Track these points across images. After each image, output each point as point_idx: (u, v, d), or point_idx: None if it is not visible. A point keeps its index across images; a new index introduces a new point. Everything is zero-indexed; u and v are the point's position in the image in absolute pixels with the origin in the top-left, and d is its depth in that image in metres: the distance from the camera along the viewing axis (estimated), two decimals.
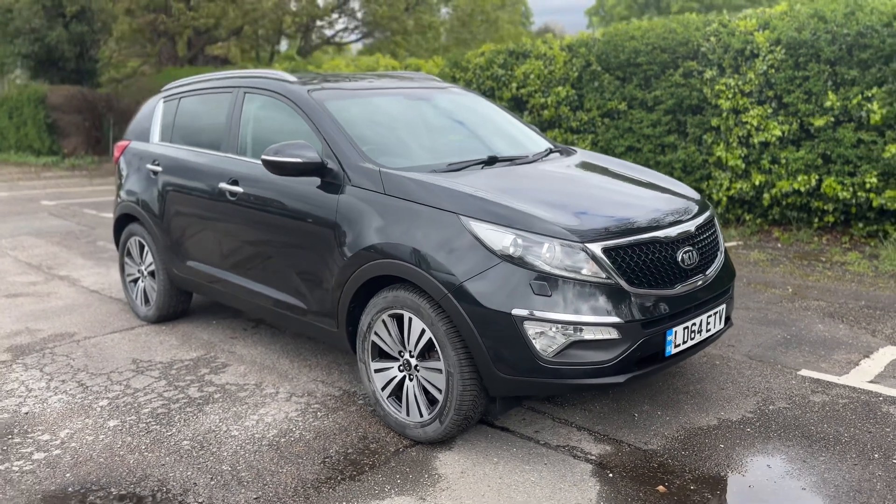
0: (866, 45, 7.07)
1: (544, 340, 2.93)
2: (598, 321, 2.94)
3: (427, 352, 3.26)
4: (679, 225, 3.34)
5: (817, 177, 7.57)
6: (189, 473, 3.14)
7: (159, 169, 4.84)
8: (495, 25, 23.05)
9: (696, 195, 3.83)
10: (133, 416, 3.70)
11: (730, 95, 8.02)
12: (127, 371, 4.31)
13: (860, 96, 7.15)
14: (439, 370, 3.17)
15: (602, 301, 2.97)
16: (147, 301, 5.18)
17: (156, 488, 3.03)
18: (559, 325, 2.92)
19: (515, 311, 2.93)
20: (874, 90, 7.06)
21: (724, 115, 8.11)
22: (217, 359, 4.48)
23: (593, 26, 49.23)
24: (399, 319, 3.33)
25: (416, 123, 4.21)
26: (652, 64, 8.62)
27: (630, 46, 8.79)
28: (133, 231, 5.15)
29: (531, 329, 2.93)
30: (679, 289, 3.21)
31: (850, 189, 7.34)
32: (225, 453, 3.31)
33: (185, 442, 3.42)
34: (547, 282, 2.95)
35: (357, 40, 21.70)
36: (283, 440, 3.42)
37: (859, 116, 7.23)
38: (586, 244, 3.00)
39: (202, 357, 4.51)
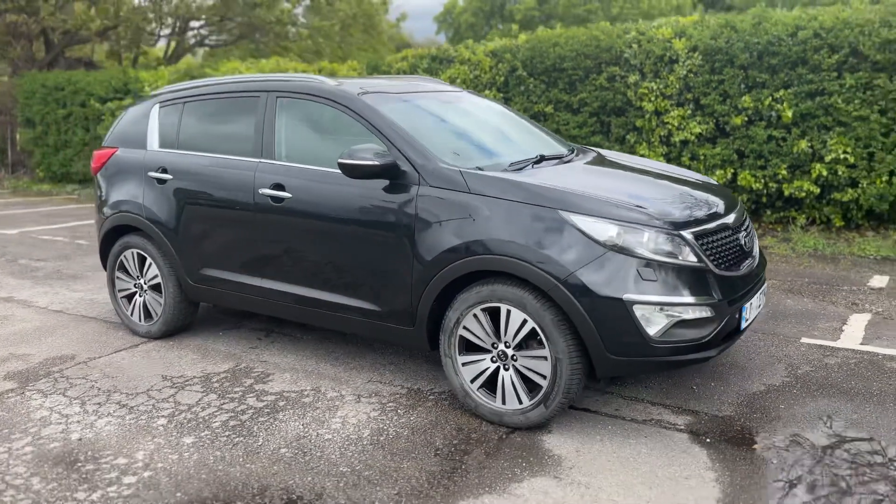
0: (775, 52, 7.94)
1: (652, 322, 3.20)
2: (697, 302, 3.25)
3: (525, 341, 3.42)
4: (733, 212, 3.73)
5: (733, 170, 8.40)
6: (309, 479, 3.12)
7: (169, 177, 4.64)
8: (377, 30, 23.16)
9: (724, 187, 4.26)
10: (206, 431, 3.58)
11: (652, 98, 8.69)
12: (164, 388, 4.12)
13: (770, 98, 8.02)
14: (543, 357, 3.34)
15: (698, 283, 3.28)
16: (148, 316, 4.93)
17: (286, 497, 2.99)
18: (665, 307, 3.20)
19: (626, 297, 3.17)
20: (782, 92, 7.95)
21: (647, 116, 8.79)
22: (253, 369, 4.38)
23: (443, 32, 50.45)
24: (493, 312, 3.47)
25: (456, 124, 4.34)
26: (577, 69, 9.15)
27: (555, 52, 9.28)
28: (130, 243, 4.88)
29: (640, 312, 3.18)
30: (744, 269, 3.59)
31: (763, 181, 8.22)
32: (333, 456, 3.31)
33: (283, 450, 3.38)
34: (651, 268, 3.22)
35: (233, 42, 20.97)
36: (382, 438, 3.46)
37: (770, 116, 8.10)
38: (680, 231, 3.30)
39: (236, 368, 4.39)
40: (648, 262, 3.22)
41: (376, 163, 3.64)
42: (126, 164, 4.93)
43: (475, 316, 3.51)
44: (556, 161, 4.14)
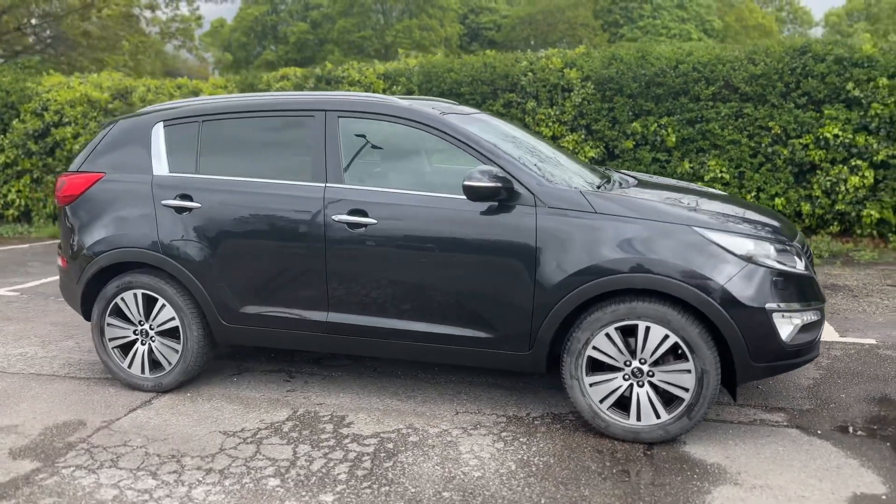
0: (660, 83, 8.81)
1: (786, 328, 3.46)
2: (812, 307, 3.58)
3: (661, 357, 3.52)
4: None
5: None
6: None
7: (195, 205, 4.07)
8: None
9: None
10: (340, 486, 3.22)
11: (549, 123, 9.20)
12: (240, 445, 3.62)
13: (656, 124, 8.87)
14: (686, 371, 3.46)
15: (809, 290, 3.61)
16: (155, 366, 4.27)
17: None
18: (792, 314, 3.48)
19: (767, 306, 3.41)
20: (666, 119, 8.84)
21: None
22: (317, 413, 3.99)
23: (211, 51, 48.52)
24: (627, 330, 3.53)
25: (519, 144, 4.29)
26: (474, 94, 9.41)
27: (451, 78, 9.46)
28: (133, 283, 4.19)
29: (778, 319, 3.44)
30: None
31: None
32: (504, 493, 3.14)
33: (445, 493, 3.15)
34: (780, 278, 3.49)
35: (47, 54, 18.43)
36: (535, 469, 3.35)
37: (655, 140, 8.95)
38: (792, 243, 3.62)
39: (297, 415, 3.96)
40: (778, 273, 3.48)
41: (498, 185, 3.55)
42: (123, 192, 4.24)
43: (608, 335, 3.53)
44: (631, 182, 4.28)
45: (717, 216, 3.62)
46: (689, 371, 3.46)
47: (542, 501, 3.08)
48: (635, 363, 3.54)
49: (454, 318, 3.76)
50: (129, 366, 4.29)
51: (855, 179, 8.35)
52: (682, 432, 3.53)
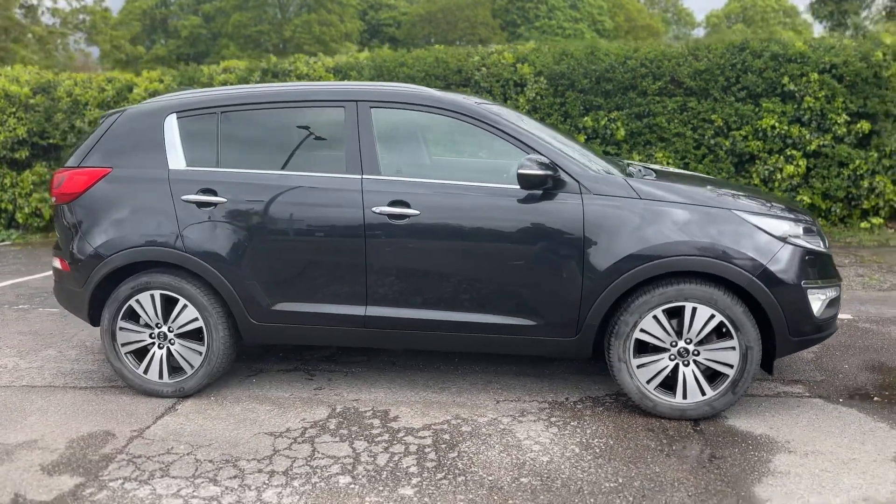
0: (609, 78, 9.10)
1: (816, 303, 3.69)
2: (835, 283, 3.82)
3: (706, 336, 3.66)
4: None
5: None
6: (591, 500, 3.00)
7: (221, 200, 3.90)
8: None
9: None
10: (415, 479, 3.18)
11: None
12: (293, 446, 3.51)
13: (606, 118, 9.15)
14: (731, 348, 3.62)
15: (831, 267, 3.85)
16: (175, 371, 4.06)
17: None
18: (821, 290, 3.71)
19: (803, 283, 3.62)
20: (616, 113, 9.14)
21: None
22: (358, 409, 3.91)
23: (97, 45, 46.02)
24: (674, 312, 3.65)
25: (551, 136, 4.31)
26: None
27: (403, 72, 9.42)
28: (152, 283, 3.97)
29: (811, 295, 3.65)
30: None
31: None
32: (579, 475, 3.19)
33: (523, 479, 3.17)
34: (810, 256, 3.70)
35: None
36: (599, 451, 3.42)
37: (605, 134, 9.23)
38: (814, 224, 3.85)
39: (338, 412, 3.88)
40: (808, 252, 3.69)
41: (549, 173, 3.59)
42: (135, 188, 4.01)
43: (655, 317, 3.65)
44: (650, 173, 4.40)
45: (750, 200, 3.80)
46: (733, 348, 3.62)
47: (620, 480, 3.15)
48: (681, 343, 3.66)
49: (499, 307, 3.78)
50: (146, 372, 4.06)
51: (790, 168, 8.90)
52: (727, 407, 3.70)
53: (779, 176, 8.97)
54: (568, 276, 3.68)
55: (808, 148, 8.89)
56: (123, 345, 4.06)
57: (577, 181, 3.70)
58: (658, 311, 3.63)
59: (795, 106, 8.87)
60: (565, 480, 3.15)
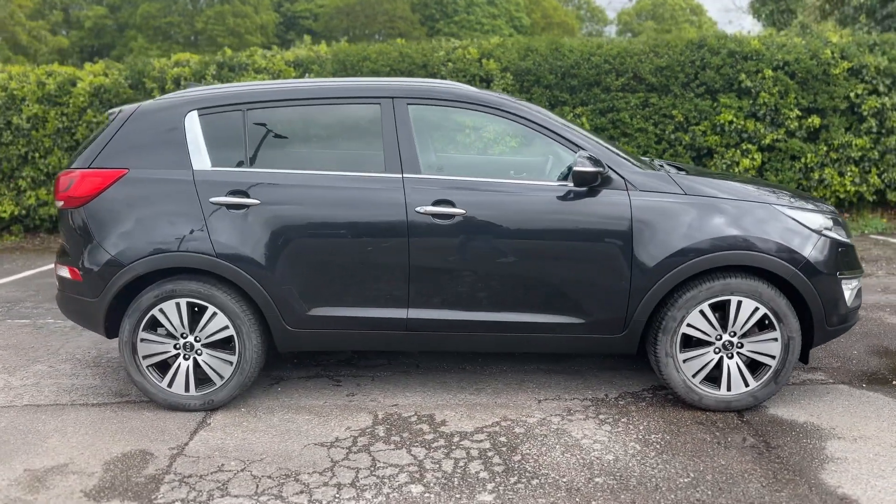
0: (575, 74, 9.20)
1: (848, 293, 3.83)
2: (860, 274, 3.98)
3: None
4: None
5: None
6: (672, 496, 3.02)
7: (254, 201, 3.70)
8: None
9: None
10: (490, 484, 3.12)
11: None
12: (350, 456, 3.38)
13: (572, 113, 9.26)
14: (773, 339, 3.71)
15: (856, 259, 4.00)
16: (203, 382, 3.85)
17: None
18: (852, 280, 3.86)
19: (838, 274, 3.75)
20: (581, 108, 9.26)
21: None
22: (401, 414, 3.81)
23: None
24: (719, 305, 3.71)
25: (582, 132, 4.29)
26: None
27: (367, 67, 9.25)
28: (178, 291, 3.74)
29: (844, 286, 3.79)
30: None
31: None
32: (651, 471, 3.20)
33: (598, 479, 3.15)
34: (840, 248, 3.84)
35: None
36: (660, 446, 3.44)
37: None
38: (838, 216, 3.99)
39: (382, 419, 3.76)
40: (839, 244, 3.83)
41: (600, 170, 3.59)
42: (157, 190, 3.76)
43: (701, 312, 3.70)
44: (683, 167, 4.45)
45: (787, 196, 3.90)
46: (775, 339, 3.71)
47: (692, 474, 3.18)
48: (726, 336, 3.73)
49: (546, 306, 3.75)
50: (170, 385, 3.83)
51: (746, 161, 9.24)
52: (769, 397, 3.79)
53: (735, 170, 9.29)
54: (616, 272, 3.68)
55: (762, 142, 9.25)
56: (145, 357, 3.82)
57: (623, 177, 3.71)
58: (704, 306, 3.68)
59: (751, 101, 9.20)
60: (639, 478, 3.15)
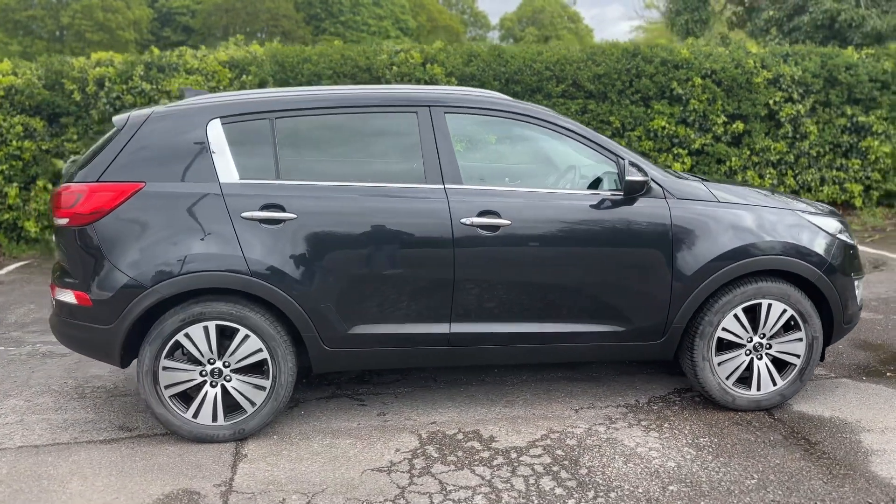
0: (518, 80, 9.30)
1: (858, 293, 4.07)
2: (863, 275, 4.24)
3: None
4: None
5: None
6: (747, 499, 3.10)
7: (289, 216, 3.48)
8: None
9: None
10: (570, 500, 3.08)
11: None
12: (415, 480, 3.24)
13: None
14: (798, 339, 3.88)
15: (859, 261, 4.25)
16: (233, 410, 3.59)
17: None
18: (860, 280, 4.10)
19: (852, 275, 3.98)
20: None
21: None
22: (445, 433, 3.70)
23: None
24: (751, 309, 3.84)
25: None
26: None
27: (308, 69, 8.97)
28: (207, 314, 3.44)
29: (857, 286, 4.02)
30: None
31: None
32: (716, 476, 3.27)
33: (671, 487, 3.19)
34: (852, 250, 4.07)
35: None
36: (710, 450, 3.52)
37: None
38: (844, 220, 4.24)
39: (427, 438, 3.64)
40: (850, 246, 4.05)
41: (647, 179, 3.63)
42: (180, 204, 3.46)
43: (735, 316, 3.81)
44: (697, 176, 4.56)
45: (802, 203, 4.08)
46: (800, 339, 3.87)
47: (755, 476, 3.26)
48: (756, 338, 3.86)
49: (588, 316, 3.75)
50: (195, 415, 3.54)
51: (677, 166, 9.65)
52: (794, 395, 3.96)
53: None
54: (658, 279, 3.73)
55: (692, 146, 9.69)
56: (167, 387, 3.51)
57: (661, 186, 3.77)
58: (738, 310, 3.80)
59: (682, 108, 9.62)
60: (709, 483, 3.20)
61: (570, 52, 9.53)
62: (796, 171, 10.13)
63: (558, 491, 3.14)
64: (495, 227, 3.60)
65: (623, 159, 3.71)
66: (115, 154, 3.51)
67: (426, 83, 9.16)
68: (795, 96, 9.84)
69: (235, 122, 3.60)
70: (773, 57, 9.92)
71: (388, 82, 9.09)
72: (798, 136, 10.02)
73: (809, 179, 10.09)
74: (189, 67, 8.78)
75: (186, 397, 3.58)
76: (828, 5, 11.21)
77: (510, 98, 3.94)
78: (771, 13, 11.67)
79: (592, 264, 3.70)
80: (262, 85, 8.90)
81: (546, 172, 4.13)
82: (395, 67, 9.11)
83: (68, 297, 3.54)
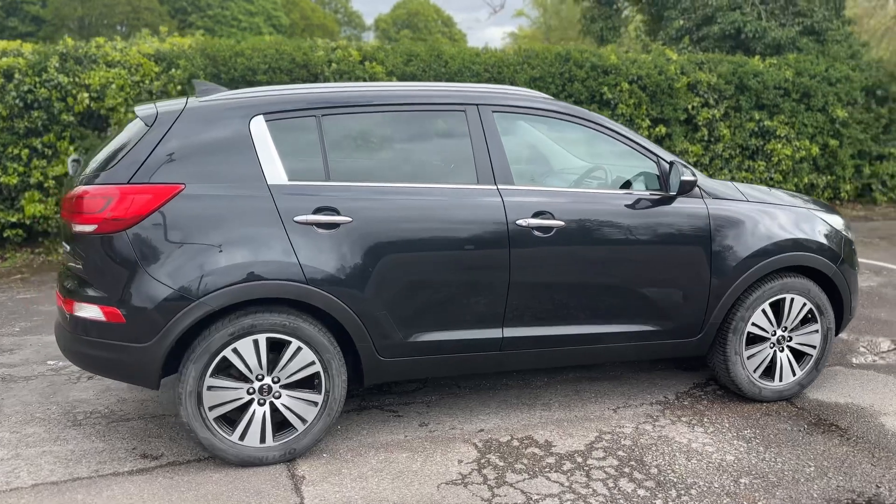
0: (458, 81, 9.28)
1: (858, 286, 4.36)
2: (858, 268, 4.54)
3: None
4: None
5: None
6: (786, 494, 3.23)
7: (345, 219, 3.27)
8: None
9: None
10: (658, 500, 3.10)
11: None
12: (496, 491, 3.14)
13: None
14: (815, 331, 4.10)
15: (855, 254, 4.54)
16: (280, 429, 3.33)
17: None
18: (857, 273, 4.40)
19: (855, 269, 4.25)
20: None
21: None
22: (500, 441, 3.61)
23: None
24: (775, 304, 4.01)
25: None
26: (272, 82, 8.65)
27: (241, 63, 8.53)
28: (258, 326, 3.17)
29: (858, 278, 4.31)
30: None
31: None
32: (775, 465, 3.39)
33: (742, 480, 3.27)
34: (852, 246, 4.34)
35: None
36: (757, 441, 3.64)
37: None
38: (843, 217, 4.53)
39: (484, 448, 3.54)
40: (851, 241, 4.33)
41: (696, 179, 3.71)
42: (225, 207, 3.17)
43: (763, 311, 3.97)
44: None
45: (811, 201, 4.31)
46: (817, 331, 4.09)
47: (811, 465, 3.41)
48: (779, 332, 4.04)
49: (636, 315, 3.79)
50: (242, 438, 3.26)
51: None
52: (810, 384, 4.17)
53: None
54: (699, 277, 3.82)
55: None
56: (212, 408, 3.20)
57: (699, 187, 3.85)
58: (765, 305, 3.95)
59: (611, 112, 9.94)
60: (774, 473, 3.31)
61: (506, 55, 9.62)
62: (711, 172, 10.71)
63: (641, 492, 3.14)
64: (549, 229, 3.55)
65: (666, 160, 3.76)
66: (146, 153, 3.17)
67: (366, 80, 8.95)
68: (711, 101, 10.42)
69: (280, 118, 3.34)
70: (690, 64, 10.46)
71: (326, 79, 8.81)
72: (713, 138, 10.61)
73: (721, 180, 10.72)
74: (109, 60, 8.10)
75: (227, 419, 3.29)
76: (734, 17, 11.96)
77: (553, 98, 3.90)
78: (681, 22, 12.32)
79: (641, 264, 3.73)
80: (189, 78, 8.37)
81: (589, 172, 4.12)
82: (333, 64, 8.84)
83: (93, 312, 3.16)
